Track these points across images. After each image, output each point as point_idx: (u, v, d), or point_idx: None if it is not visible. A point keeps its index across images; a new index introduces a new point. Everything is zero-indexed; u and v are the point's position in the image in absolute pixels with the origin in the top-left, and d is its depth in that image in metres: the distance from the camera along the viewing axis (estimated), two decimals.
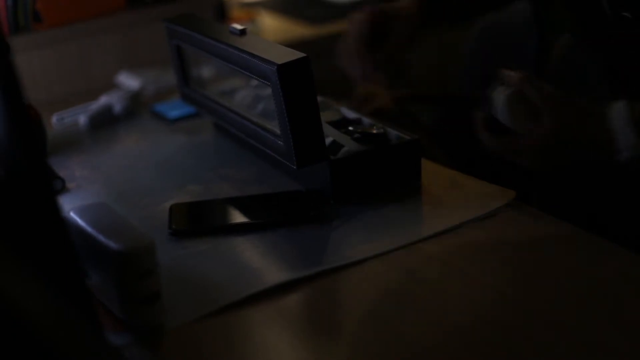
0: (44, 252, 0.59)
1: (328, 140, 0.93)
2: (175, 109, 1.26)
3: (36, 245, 0.59)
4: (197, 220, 0.90)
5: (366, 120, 1.02)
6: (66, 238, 0.59)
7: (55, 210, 0.57)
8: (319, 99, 0.89)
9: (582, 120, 0.91)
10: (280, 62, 0.85)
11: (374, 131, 0.97)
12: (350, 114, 1.05)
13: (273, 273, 0.80)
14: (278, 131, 0.91)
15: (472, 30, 1.40)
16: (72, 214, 0.75)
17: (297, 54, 0.87)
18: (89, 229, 0.72)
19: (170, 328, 0.72)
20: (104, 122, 1.25)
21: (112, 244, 0.69)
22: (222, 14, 1.77)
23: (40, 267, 0.59)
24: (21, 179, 0.58)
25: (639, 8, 0.98)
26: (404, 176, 0.95)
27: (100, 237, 0.70)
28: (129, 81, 1.40)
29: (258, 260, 0.83)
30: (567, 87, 0.98)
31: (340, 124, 1.01)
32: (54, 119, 1.25)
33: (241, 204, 0.93)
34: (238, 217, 0.90)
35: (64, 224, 0.58)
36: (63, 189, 1.02)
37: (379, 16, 1.18)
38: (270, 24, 1.98)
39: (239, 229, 0.88)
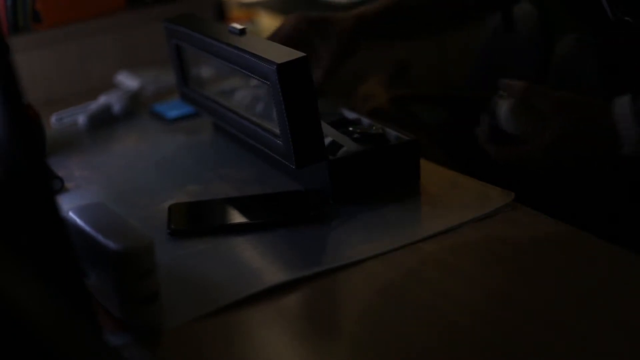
0: (43, 252, 0.59)
1: (327, 141, 0.93)
2: (174, 109, 1.26)
3: (35, 245, 0.59)
4: (196, 220, 0.90)
5: (365, 120, 1.02)
6: (65, 238, 0.59)
7: (54, 210, 0.57)
8: (318, 99, 0.89)
9: (588, 118, 0.92)
10: (279, 61, 0.85)
11: (373, 131, 0.97)
12: (350, 114, 1.05)
13: (272, 273, 0.80)
14: (277, 131, 0.91)
15: (481, 32, 1.40)
16: (71, 214, 0.75)
17: (297, 54, 0.86)
18: (88, 229, 0.72)
19: (170, 328, 0.72)
20: (103, 122, 1.25)
21: (111, 244, 0.69)
22: (221, 14, 1.77)
23: (39, 267, 0.59)
24: (20, 178, 0.58)
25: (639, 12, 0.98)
26: (404, 176, 0.95)
27: (100, 237, 0.70)
28: (128, 81, 1.40)
29: (258, 260, 0.83)
30: (568, 88, 0.99)
31: (340, 124, 1.01)
32: (53, 118, 1.25)
33: (241, 204, 0.93)
34: (237, 217, 0.90)
35: (63, 224, 0.58)
36: (62, 189, 1.02)
37: (305, 31, 1.13)
38: (270, 24, 1.98)
39: (239, 229, 0.88)
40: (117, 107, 1.26)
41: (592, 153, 0.93)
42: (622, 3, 0.99)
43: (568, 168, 0.95)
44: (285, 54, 0.87)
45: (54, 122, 1.24)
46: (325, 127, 0.93)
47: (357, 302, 0.76)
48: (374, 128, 0.98)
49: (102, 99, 1.28)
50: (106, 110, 1.26)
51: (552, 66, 1.18)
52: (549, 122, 0.92)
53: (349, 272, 0.79)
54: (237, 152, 1.09)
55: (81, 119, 1.23)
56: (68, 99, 1.34)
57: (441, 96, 1.41)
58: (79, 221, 0.74)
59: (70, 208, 0.77)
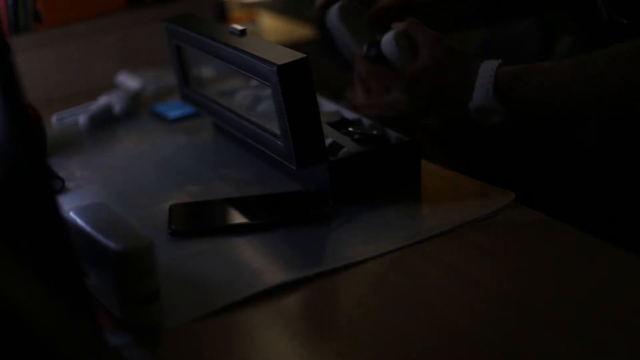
0: (44, 252, 0.59)
1: (328, 141, 0.93)
2: (175, 109, 1.26)
3: (36, 245, 0.59)
4: (196, 221, 0.90)
5: (366, 121, 1.02)
6: (65, 238, 0.59)
7: (55, 210, 0.57)
8: (318, 99, 0.89)
9: (454, 64, 0.98)
10: (280, 62, 0.85)
11: (374, 132, 0.97)
12: (350, 115, 1.05)
13: (273, 273, 0.80)
14: (278, 132, 0.91)
15: (474, 35, 1.40)
16: (72, 214, 0.75)
17: (297, 55, 0.87)
18: (88, 229, 0.72)
19: (170, 328, 0.72)
20: (104, 122, 1.25)
21: (111, 244, 0.69)
22: (222, 14, 1.77)
23: (39, 267, 0.59)
24: (20, 178, 0.58)
25: (633, 14, 0.99)
26: (404, 177, 0.95)
27: (100, 237, 0.70)
28: (129, 81, 1.41)
29: (258, 260, 0.83)
30: None
31: (340, 124, 1.01)
32: (54, 119, 1.25)
33: (241, 204, 0.93)
34: (238, 218, 0.90)
35: (64, 224, 0.58)
36: (62, 189, 1.02)
37: None
38: (270, 25, 1.98)
39: (239, 230, 0.88)
40: (117, 108, 1.26)
41: (450, 96, 0.98)
42: (616, 4, 1.00)
43: (425, 104, 1.00)
44: (285, 55, 0.87)
45: (55, 122, 1.25)
46: (326, 128, 0.93)
47: (357, 302, 0.76)
48: (374, 129, 0.98)
49: (103, 99, 1.28)
50: (107, 111, 1.26)
51: None
52: (420, 53, 0.98)
53: (349, 273, 0.79)
54: (238, 153, 1.09)
55: (82, 119, 1.23)
56: (68, 99, 1.34)
57: None
58: (79, 221, 0.74)
59: (71, 208, 0.77)
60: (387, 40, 1.01)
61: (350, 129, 0.98)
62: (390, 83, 1.00)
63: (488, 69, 0.94)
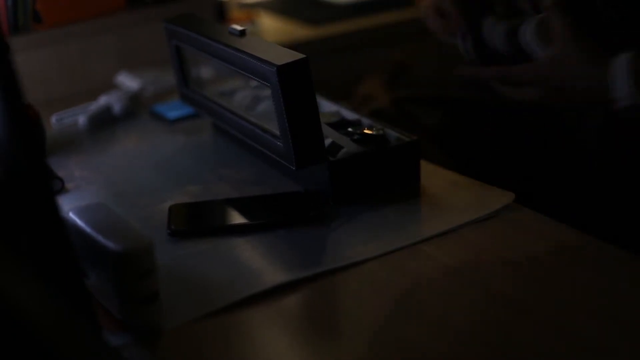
0: (43, 253, 0.59)
1: (327, 142, 0.93)
2: (174, 109, 1.26)
3: (35, 245, 0.59)
4: (196, 221, 0.90)
5: (366, 121, 1.02)
6: (65, 238, 0.59)
7: (54, 210, 0.57)
8: (318, 99, 0.89)
9: (587, 58, 0.94)
10: (279, 63, 0.85)
11: (374, 132, 0.97)
12: (350, 115, 1.05)
13: (272, 274, 0.80)
14: (277, 132, 0.91)
15: None
16: (71, 214, 0.75)
17: (297, 55, 0.87)
18: (87, 229, 0.72)
19: (170, 328, 0.72)
20: (103, 122, 1.25)
21: (111, 245, 0.69)
22: (221, 15, 1.77)
23: (39, 267, 0.59)
24: (20, 179, 0.58)
25: (627, 11, 0.99)
26: (404, 177, 0.95)
27: (99, 238, 0.70)
28: (128, 81, 1.40)
29: (257, 260, 0.83)
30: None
31: (340, 125, 1.01)
32: (53, 119, 1.25)
33: (240, 204, 0.93)
34: (237, 218, 0.90)
35: (63, 225, 0.58)
36: (62, 189, 1.02)
37: None
38: (270, 25, 1.98)
39: (239, 230, 0.88)
40: (117, 108, 1.26)
41: (583, 96, 0.96)
42: (610, 2, 1.00)
43: (552, 97, 0.98)
44: (285, 55, 0.87)
45: (54, 122, 1.24)
46: (325, 128, 0.93)
47: (357, 303, 0.76)
48: (374, 129, 0.98)
49: (103, 100, 1.28)
50: (106, 111, 1.26)
51: None
52: (554, 44, 0.95)
53: (348, 273, 0.79)
54: (237, 153, 1.09)
55: (81, 120, 1.23)
56: (68, 99, 1.34)
57: (441, 98, 1.41)
58: (79, 221, 0.74)
59: (71, 208, 0.77)
60: (530, 29, 0.98)
61: (350, 129, 0.98)
62: (507, 81, 0.98)
63: (624, 66, 0.91)
